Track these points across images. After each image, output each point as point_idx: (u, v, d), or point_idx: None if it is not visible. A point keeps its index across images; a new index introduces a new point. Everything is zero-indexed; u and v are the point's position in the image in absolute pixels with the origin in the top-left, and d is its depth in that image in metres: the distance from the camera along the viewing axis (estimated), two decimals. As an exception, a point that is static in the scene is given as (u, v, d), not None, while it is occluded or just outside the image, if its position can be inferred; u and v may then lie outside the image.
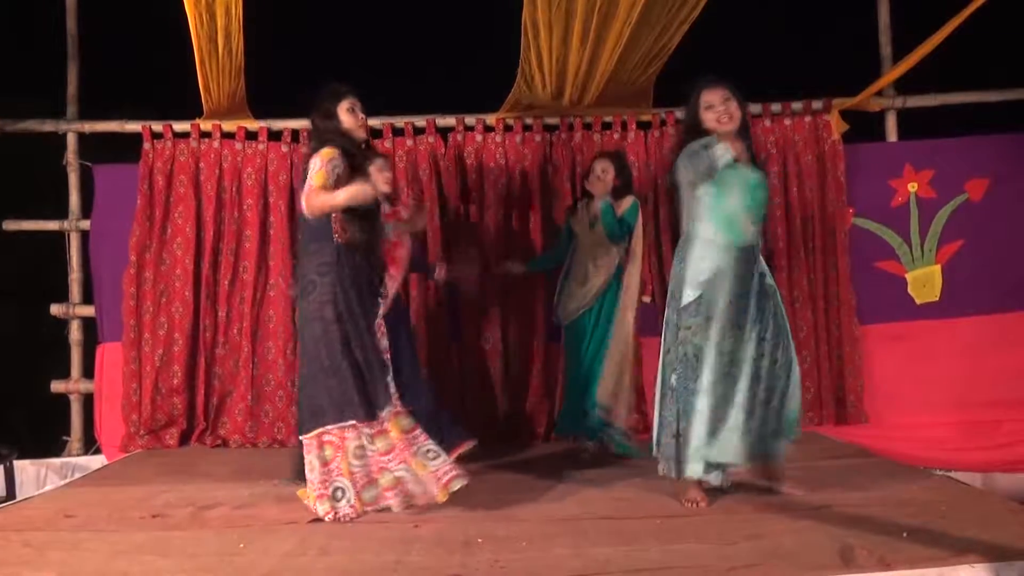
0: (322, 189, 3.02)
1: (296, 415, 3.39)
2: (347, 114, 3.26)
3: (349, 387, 3.02)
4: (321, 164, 3.07)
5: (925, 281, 4.96)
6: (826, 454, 4.00)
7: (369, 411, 3.04)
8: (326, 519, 3.01)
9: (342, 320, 3.06)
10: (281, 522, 3.04)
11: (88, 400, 4.99)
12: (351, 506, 3.04)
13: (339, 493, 3.05)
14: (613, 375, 4.00)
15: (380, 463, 3.08)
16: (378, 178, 3.87)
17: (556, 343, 4.81)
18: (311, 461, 3.09)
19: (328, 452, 3.08)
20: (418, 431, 3.12)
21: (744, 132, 3.19)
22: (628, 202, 4.07)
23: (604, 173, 4.08)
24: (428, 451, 3.09)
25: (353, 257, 3.14)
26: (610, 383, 4.00)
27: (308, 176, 3.08)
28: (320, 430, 3.06)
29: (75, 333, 5.04)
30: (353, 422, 3.03)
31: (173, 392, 4.74)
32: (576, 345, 4.15)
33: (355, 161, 3.21)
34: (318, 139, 3.22)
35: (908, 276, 4.96)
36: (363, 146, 3.38)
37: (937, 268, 4.96)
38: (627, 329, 4.02)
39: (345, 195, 3.02)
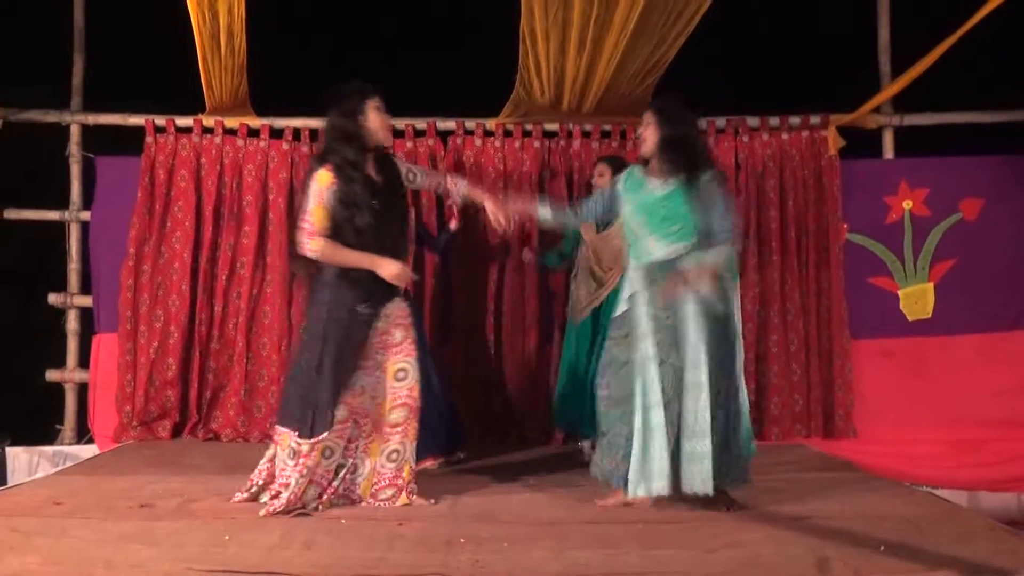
0: (324, 231, 3.01)
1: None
2: (375, 112, 3.14)
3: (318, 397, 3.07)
4: (317, 196, 3.01)
5: (917, 298, 4.99)
6: (812, 467, 4.03)
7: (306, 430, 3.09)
8: (269, 509, 3.07)
9: (340, 329, 3.06)
10: (268, 516, 3.06)
11: (83, 390, 5.02)
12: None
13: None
14: None
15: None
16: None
17: (550, 345, 4.84)
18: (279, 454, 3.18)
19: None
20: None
21: (668, 148, 3.16)
22: None
23: (600, 176, 4.15)
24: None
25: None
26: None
27: (308, 201, 3.03)
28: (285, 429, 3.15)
29: (72, 323, 5.07)
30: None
31: (167, 384, 4.77)
32: (584, 341, 4.16)
33: (353, 173, 3.06)
34: (331, 143, 3.12)
35: (900, 293, 4.99)
36: (385, 151, 3.27)
37: (930, 286, 4.99)
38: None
39: (361, 261, 3.05)
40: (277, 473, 3.18)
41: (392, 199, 3.20)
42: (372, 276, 3.07)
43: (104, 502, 3.24)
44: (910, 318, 4.98)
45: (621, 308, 3.27)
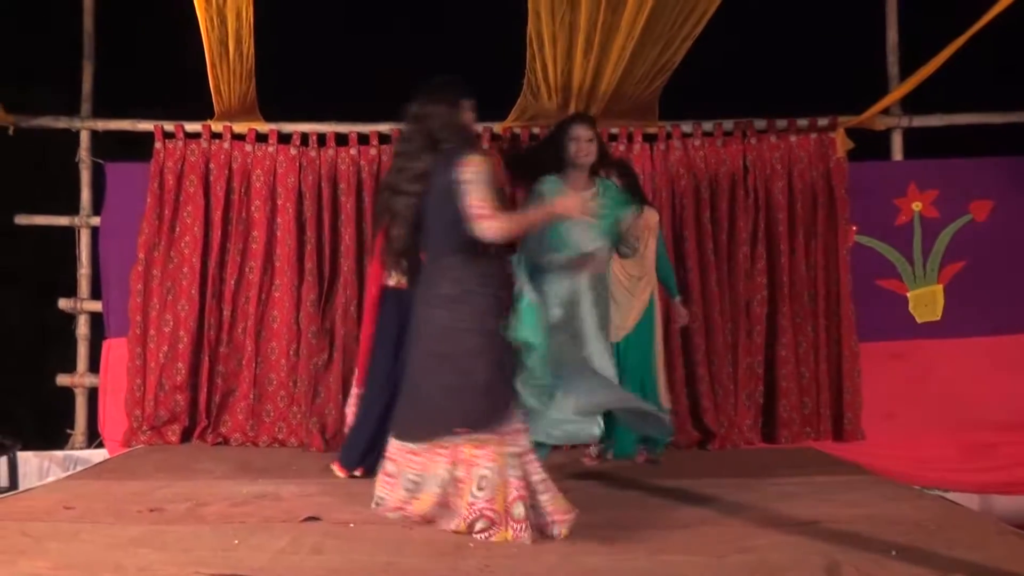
0: (500, 211, 2.81)
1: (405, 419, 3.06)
2: (470, 113, 3.09)
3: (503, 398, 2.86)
4: (484, 180, 2.82)
5: (927, 300, 4.96)
6: (821, 470, 4.01)
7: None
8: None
9: (498, 334, 2.87)
10: (276, 520, 3.07)
11: (93, 394, 5.03)
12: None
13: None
14: (663, 378, 4.21)
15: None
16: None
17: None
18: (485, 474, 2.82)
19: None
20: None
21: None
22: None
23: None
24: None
25: (504, 266, 2.98)
26: (663, 387, 4.19)
27: (473, 192, 2.80)
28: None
29: (82, 328, 5.09)
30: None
31: (176, 389, 4.78)
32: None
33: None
34: (454, 135, 2.97)
35: (909, 295, 4.96)
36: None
37: (939, 288, 4.96)
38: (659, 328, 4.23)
39: (544, 215, 2.95)
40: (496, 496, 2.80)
41: None
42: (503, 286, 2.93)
43: (114, 506, 3.26)
44: (919, 320, 4.95)
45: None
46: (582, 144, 3.65)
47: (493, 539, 2.75)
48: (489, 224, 2.78)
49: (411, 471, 2.95)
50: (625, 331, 4.07)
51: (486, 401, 2.83)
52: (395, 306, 3.81)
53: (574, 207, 2.88)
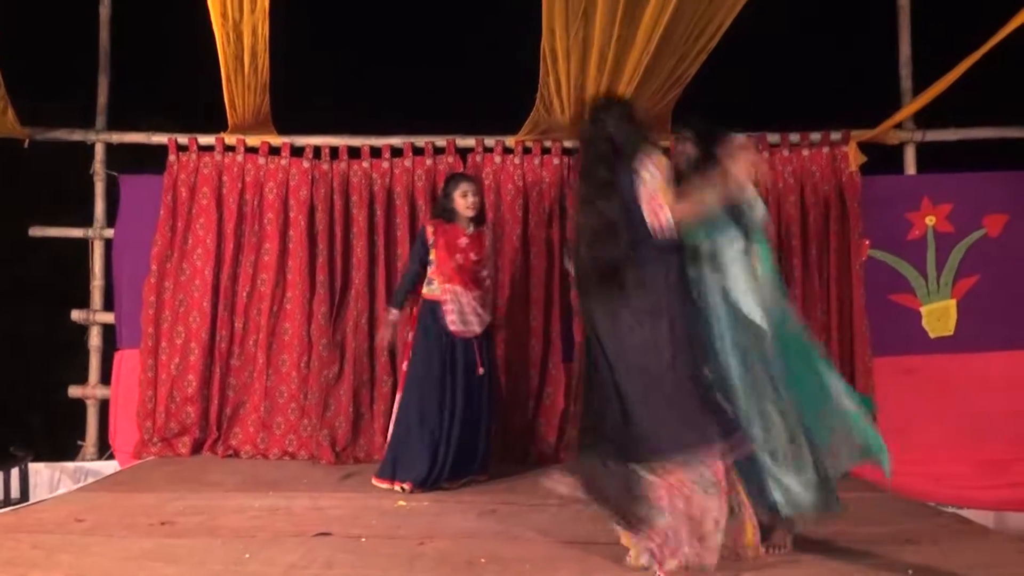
0: (671, 203, 2.70)
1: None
2: (645, 123, 3.02)
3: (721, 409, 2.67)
4: (660, 176, 2.73)
5: (940, 315, 4.93)
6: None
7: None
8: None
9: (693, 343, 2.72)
10: (288, 534, 3.06)
11: (104, 406, 5.04)
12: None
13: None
14: None
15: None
16: (460, 203, 4.01)
17: (570, 363, 4.81)
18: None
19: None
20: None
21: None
22: None
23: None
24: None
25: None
26: None
27: (651, 184, 2.71)
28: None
29: (95, 339, 5.10)
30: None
31: (187, 401, 4.78)
32: None
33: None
34: (637, 141, 2.84)
35: (923, 309, 4.93)
36: None
37: (953, 302, 4.93)
38: None
39: (703, 196, 2.73)
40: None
41: None
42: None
43: (125, 519, 3.26)
44: (932, 335, 4.92)
45: None
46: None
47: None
48: (667, 218, 2.68)
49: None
50: None
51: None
52: (431, 315, 3.97)
53: (745, 164, 2.72)
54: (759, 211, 2.90)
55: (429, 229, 4.06)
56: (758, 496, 2.73)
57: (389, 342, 4.28)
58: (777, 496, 2.72)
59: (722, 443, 2.59)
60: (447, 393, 3.93)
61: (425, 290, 4.05)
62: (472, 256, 4.01)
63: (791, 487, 2.72)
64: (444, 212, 4.09)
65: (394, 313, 4.12)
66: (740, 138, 3.03)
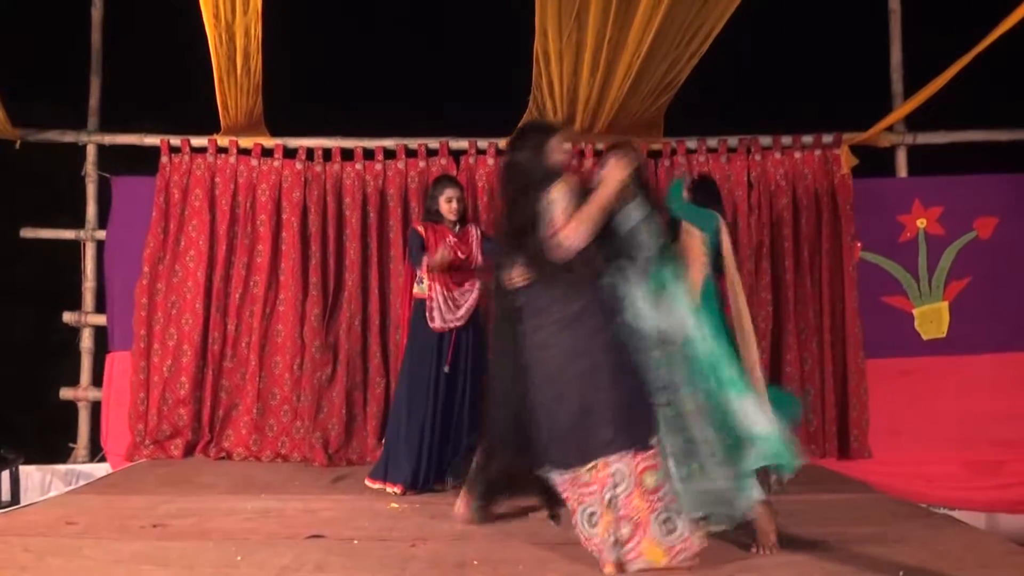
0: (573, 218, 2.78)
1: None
2: (558, 153, 3.01)
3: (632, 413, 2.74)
4: (564, 200, 2.80)
5: (932, 317, 4.95)
6: (827, 488, 3.98)
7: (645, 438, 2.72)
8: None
9: (612, 351, 2.79)
10: (280, 536, 3.06)
11: (96, 408, 5.03)
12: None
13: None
14: None
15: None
16: (445, 207, 4.04)
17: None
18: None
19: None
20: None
21: None
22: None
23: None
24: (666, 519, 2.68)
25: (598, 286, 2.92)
26: None
27: (552, 214, 2.80)
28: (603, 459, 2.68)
29: (86, 341, 5.09)
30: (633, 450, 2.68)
31: (179, 403, 4.77)
32: None
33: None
34: (534, 176, 2.92)
35: (915, 312, 4.96)
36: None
37: (945, 305, 4.95)
38: None
39: (601, 194, 2.83)
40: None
41: None
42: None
43: (117, 522, 3.25)
44: (925, 337, 4.94)
45: None
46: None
47: None
48: (563, 234, 2.77)
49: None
50: None
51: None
52: (420, 314, 3.96)
53: (613, 170, 2.87)
54: (632, 220, 3.02)
55: (420, 229, 4.06)
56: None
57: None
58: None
59: (635, 450, 2.67)
60: (433, 392, 3.92)
61: (416, 289, 4.05)
62: (460, 254, 4.02)
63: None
64: (429, 214, 4.11)
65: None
66: (621, 150, 3.15)
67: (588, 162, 4.97)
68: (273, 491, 3.85)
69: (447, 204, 4.04)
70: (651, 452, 2.70)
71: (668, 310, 2.93)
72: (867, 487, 4.09)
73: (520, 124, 3.12)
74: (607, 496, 2.64)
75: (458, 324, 3.96)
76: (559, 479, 2.78)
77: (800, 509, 3.48)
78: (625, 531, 2.63)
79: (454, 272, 3.99)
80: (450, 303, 3.95)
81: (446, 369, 3.93)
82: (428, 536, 3.06)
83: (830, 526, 3.19)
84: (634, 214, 3.03)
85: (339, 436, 4.68)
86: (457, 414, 3.95)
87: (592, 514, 2.67)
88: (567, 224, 2.77)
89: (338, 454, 4.63)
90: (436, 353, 3.93)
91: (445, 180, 4.22)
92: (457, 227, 4.09)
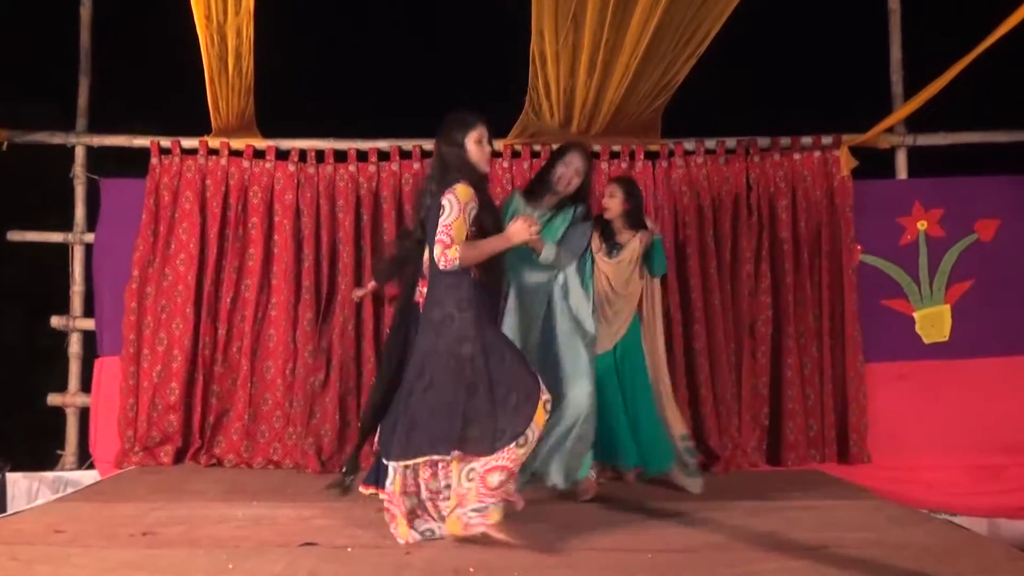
0: (462, 241, 3.00)
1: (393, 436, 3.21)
2: (475, 145, 3.18)
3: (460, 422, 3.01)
4: (459, 209, 3.01)
5: (934, 320, 4.97)
6: (826, 494, 4.00)
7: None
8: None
9: (476, 358, 3.02)
10: (272, 544, 3.05)
11: (84, 414, 5.02)
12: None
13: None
14: (672, 403, 4.17)
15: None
16: None
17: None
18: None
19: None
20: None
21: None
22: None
23: (611, 197, 4.10)
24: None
25: (486, 290, 3.21)
26: (676, 411, 4.18)
27: (444, 217, 3.01)
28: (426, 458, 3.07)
29: (75, 346, 5.08)
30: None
31: (169, 409, 4.77)
32: (612, 374, 4.03)
33: (483, 197, 3.14)
34: (446, 170, 3.15)
35: (916, 315, 4.97)
36: (484, 180, 3.25)
37: (946, 308, 4.97)
38: (661, 355, 4.24)
39: (497, 243, 3.11)
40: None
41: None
42: (491, 320, 3.25)
43: (106, 530, 3.24)
44: (926, 341, 4.96)
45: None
46: (568, 172, 3.75)
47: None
48: (445, 253, 2.99)
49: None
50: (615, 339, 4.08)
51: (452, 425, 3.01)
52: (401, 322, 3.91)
53: (517, 232, 3.11)
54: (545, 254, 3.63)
55: None
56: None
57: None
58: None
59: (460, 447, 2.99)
60: None
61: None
62: None
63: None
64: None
65: None
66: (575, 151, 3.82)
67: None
68: (265, 498, 3.85)
69: None
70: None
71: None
72: (867, 492, 4.11)
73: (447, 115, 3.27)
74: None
75: None
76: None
77: (798, 515, 3.50)
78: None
79: None
80: None
81: None
82: (423, 543, 3.05)
83: (829, 532, 3.20)
84: (546, 253, 3.61)
85: (332, 442, 4.67)
86: None
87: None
88: (451, 243, 2.98)
89: (331, 461, 4.62)
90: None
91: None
92: None
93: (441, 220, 3.01)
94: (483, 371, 3.00)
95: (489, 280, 3.22)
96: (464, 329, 3.03)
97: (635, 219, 4.08)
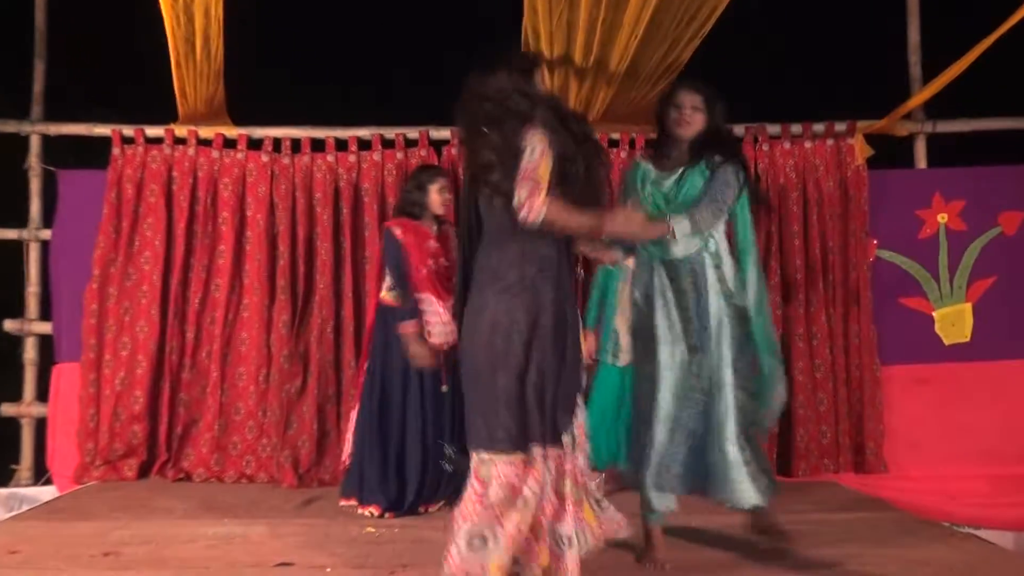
0: (547, 190, 2.46)
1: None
2: (543, 84, 2.79)
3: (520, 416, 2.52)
4: (542, 149, 2.49)
5: (954, 320, 4.99)
6: (841, 506, 4.01)
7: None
8: None
9: (560, 335, 2.55)
10: (245, 564, 3.05)
11: (41, 425, 4.99)
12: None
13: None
14: None
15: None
16: (436, 199, 4.00)
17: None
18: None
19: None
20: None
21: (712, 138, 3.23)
22: None
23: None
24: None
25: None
26: None
27: (527, 159, 2.48)
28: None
29: (30, 352, 5.05)
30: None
31: (134, 419, 4.74)
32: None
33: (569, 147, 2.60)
34: (515, 104, 2.61)
35: (936, 314, 4.99)
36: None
37: (967, 306, 4.99)
38: None
39: (594, 223, 2.54)
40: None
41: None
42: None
43: (65, 550, 3.22)
44: (947, 342, 4.98)
45: (630, 320, 3.25)
46: (684, 112, 3.18)
47: None
48: (529, 203, 2.44)
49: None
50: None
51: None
52: (383, 324, 3.98)
53: (622, 224, 2.63)
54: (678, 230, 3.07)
55: (397, 230, 4.00)
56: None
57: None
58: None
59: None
60: (415, 408, 3.91)
61: (387, 295, 4.02)
62: (443, 261, 3.99)
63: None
64: (414, 207, 4.05)
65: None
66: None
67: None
68: (237, 515, 3.83)
69: (439, 196, 4.01)
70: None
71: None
72: (885, 505, 4.12)
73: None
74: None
75: (451, 340, 3.92)
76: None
77: (814, 529, 3.49)
78: None
79: (443, 280, 3.96)
80: (444, 317, 3.92)
81: (444, 388, 3.93)
82: (409, 563, 3.05)
83: (846, 547, 3.21)
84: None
85: (310, 454, 4.66)
86: (446, 430, 3.94)
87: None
88: (540, 197, 2.45)
89: (309, 474, 4.61)
90: (413, 367, 3.90)
91: (435, 169, 4.21)
92: (436, 226, 4.07)
93: (523, 163, 2.48)
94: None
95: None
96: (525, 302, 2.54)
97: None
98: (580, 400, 2.62)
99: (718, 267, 3.15)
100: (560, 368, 2.53)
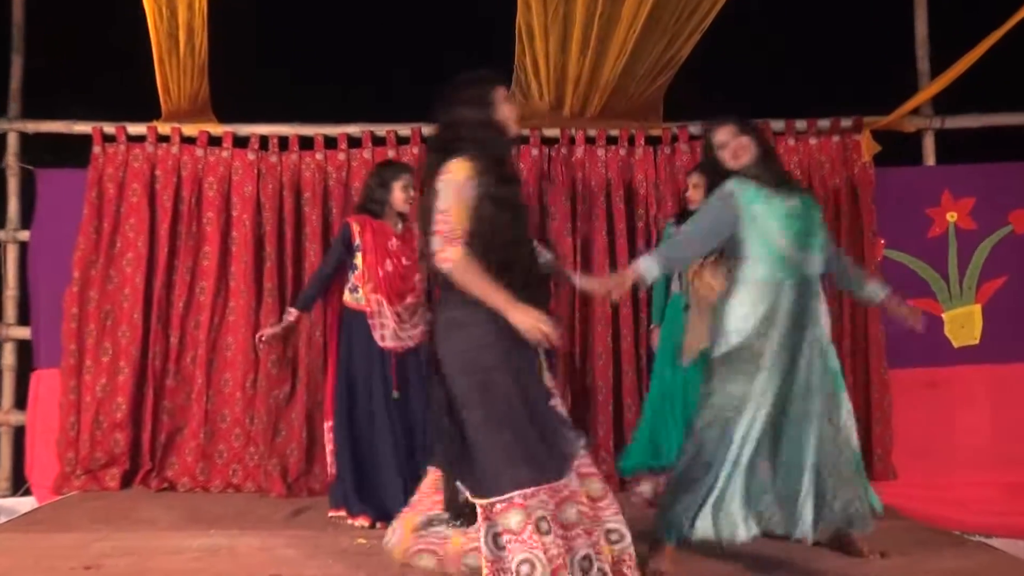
0: (462, 240, 2.50)
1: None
2: (506, 104, 2.73)
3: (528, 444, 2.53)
4: (455, 191, 2.51)
5: (964, 322, 4.99)
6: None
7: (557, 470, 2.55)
8: None
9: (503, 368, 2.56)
10: (231, 578, 3.03)
11: (19, 434, 4.98)
12: None
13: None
14: None
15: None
16: (400, 196, 3.97)
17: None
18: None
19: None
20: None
21: (768, 160, 3.28)
22: None
23: (695, 188, 4.09)
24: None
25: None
26: None
27: (442, 199, 2.53)
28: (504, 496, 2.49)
29: (7, 357, 5.05)
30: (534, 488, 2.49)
31: (116, 427, 4.73)
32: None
33: (504, 170, 2.64)
34: (455, 137, 2.64)
35: (945, 316, 5.00)
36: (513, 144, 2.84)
37: (977, 308, 5.00)
38: None
39: (510, 309, 2.49)
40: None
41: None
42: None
43: (44, 563, 3.21)
44: (956, 344, 4.98)
45: (736, 338, 3.12)
46: (728, 149, 3.22)
47: None
48: (444, 250, 2.50)
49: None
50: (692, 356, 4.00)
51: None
52: (347, 328, 3.96)
53: (524, 321, 2.51)
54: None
55: (355, 227, 3.96)
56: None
57: (267, 339, 4.12)
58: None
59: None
60: (382, 415, 3.89)
61: (348, 297, 3.99)
62: (404, 261, 3.97)
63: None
64: (375, 205, 4.01)
65: (294, 314, 4.05)
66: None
67: (579, 150, 4.99)
68: (223, 526, 3.82)
69: (403, 193, 3.99)
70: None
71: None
72: (893, 513, 4.11)
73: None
74: None
75: (412, 343, 3.92)
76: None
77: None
78: None
79: (398, 281, 3.94)
80: (403, 317, 3.91)
81: (395, 395, 3.89)
82: (401, 575, 3.03)
83: (852, 557, 3.20)
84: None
85: (299, 463, 4.65)
86: (419, 435, 3.92)
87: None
88: (450, 250, 2.49)
89: (298, 483, 4.61)
90: (388, 371, 3.89)
91: (397, 164, 4.18)
92: (400, 224, 4.05)
93: (440, 206, 2.53)
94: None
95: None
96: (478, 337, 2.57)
97: None
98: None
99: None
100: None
